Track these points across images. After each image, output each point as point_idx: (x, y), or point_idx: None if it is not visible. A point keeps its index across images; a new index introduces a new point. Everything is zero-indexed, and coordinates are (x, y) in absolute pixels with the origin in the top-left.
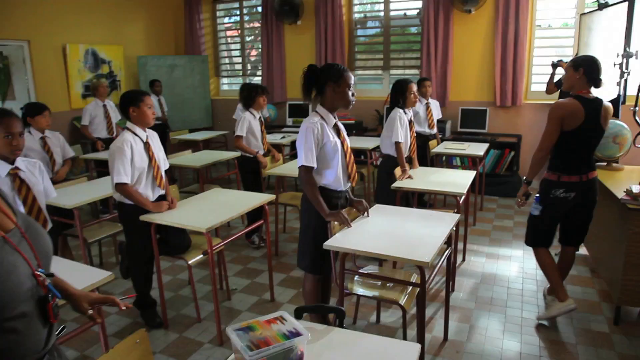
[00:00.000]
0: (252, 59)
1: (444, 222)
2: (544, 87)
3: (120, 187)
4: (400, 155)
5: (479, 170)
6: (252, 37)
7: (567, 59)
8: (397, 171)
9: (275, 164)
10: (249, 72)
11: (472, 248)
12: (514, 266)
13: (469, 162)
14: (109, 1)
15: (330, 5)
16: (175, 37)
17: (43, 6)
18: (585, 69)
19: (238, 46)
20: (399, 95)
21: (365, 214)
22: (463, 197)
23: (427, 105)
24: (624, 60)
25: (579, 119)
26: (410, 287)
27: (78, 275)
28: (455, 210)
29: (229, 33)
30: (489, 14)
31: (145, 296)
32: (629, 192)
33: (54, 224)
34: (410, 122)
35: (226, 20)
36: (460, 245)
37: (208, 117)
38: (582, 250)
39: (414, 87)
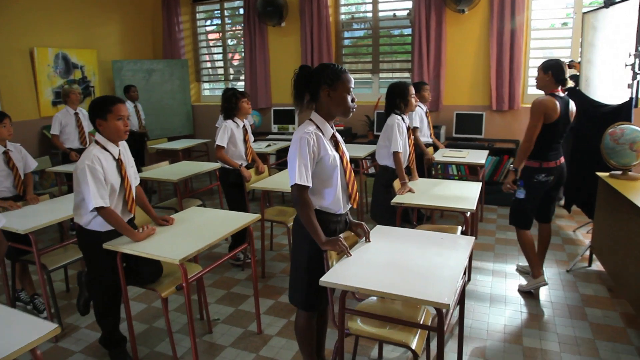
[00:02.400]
0: (235, 62)
1: (458, 247)
2: (541, 91)
3: (100, 211)
4: (400, 167)
5: (480, 177)
6: (235, 40)
7: (566, 60)
8: (397, 184)
9: (259, 176)
10: (231, 76)
11: (476, 265)
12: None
13: (465, 170)
14: (81, 3)
15: (316, 6)
16: (153, 41)
17: (7, 7)
18: (553, 72)
19: (220, 50)
20: (399, 100)
21: (366, 238)
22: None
23: (427, 112)
24: (637, 60)
25: (557, 113)
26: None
27: (14, 329)
28: (463, 228)
29: (210, 36)
30: (483, 14)
31: (112, 333)
32: None
33: (9, 250)
34: (408, 129)
35: (207, 22)
36: None
37: (189, 124)
38: (596, 266)
39: (413, 90)
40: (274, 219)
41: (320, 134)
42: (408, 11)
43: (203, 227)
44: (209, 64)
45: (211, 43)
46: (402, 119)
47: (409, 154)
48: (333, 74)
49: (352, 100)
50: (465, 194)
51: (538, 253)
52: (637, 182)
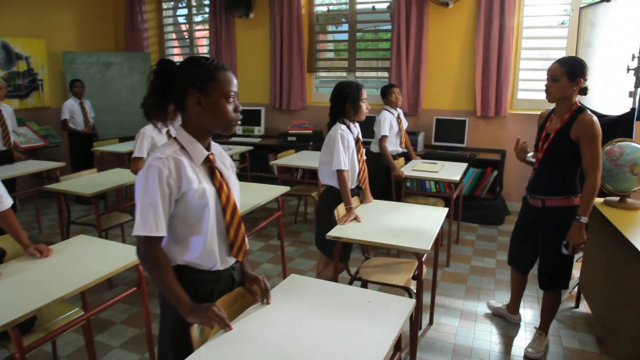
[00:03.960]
0: None
1: (380, 332)
2: (532, 95)
3: None
4: (344, 188)
5: (454, 197)
6: (202, 32)
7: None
8: (341, 209)
9: None
10: None
11: (442, 302)
12: (495, 334)
13: (445, 186)
14: None
15: None
16: (115, 32)
17: None
18: (583, 78)
19: (187, 42)
20: (349, 104)
21: (262, 299)
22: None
23: (399, 117)
24: None
25: None
26: None
27: None
28: (416, 272)
29: (177, 28)
30: (470, 9)
31: None
32: None
33: None
34: (357, 140)
35: (172, 13)
36: (427, 299)
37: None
38: (584, 306)
39: (365, 93)
40: None
41: (185, 159)
42: (388, 4)
43: (79, 264)
44: (175, 58)
45: (177, 35)
46: (349, 128)
47: (359, 172)
48: (204, 73)
49: (236, 110)
50: (426, 225)
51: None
52: (637, 212)
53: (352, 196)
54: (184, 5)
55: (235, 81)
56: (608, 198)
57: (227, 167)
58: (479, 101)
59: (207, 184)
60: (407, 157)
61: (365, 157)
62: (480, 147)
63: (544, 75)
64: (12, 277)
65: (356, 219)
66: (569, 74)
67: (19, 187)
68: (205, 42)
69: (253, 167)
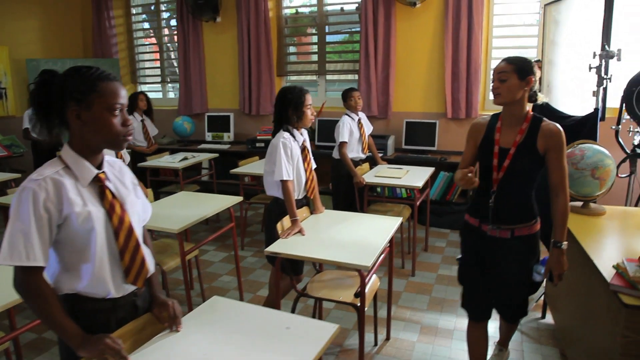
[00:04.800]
0: (167, 63)
1: None
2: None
3: None
4: (289, 199)
5: (417, 204)
6: (171, 37)
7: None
8: (286, 222)
9: None
10: (168, 78)
11: (403, 316)
12: (455, 349)
13: (415, 191)
14: None
15: None
16: (83, 38)
17: None
18: (534, 78)
19: (156, 48)
20: (292, 110)
21: (171, 325)
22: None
23: (359, 122)
24: (602, 62)
25: None
26: None
27: None
28: (358, 299)
29: (145, 33)
30: (437, 8)
31: None
32: (620, 271)
33: None
34: (303, 148)
35: (142, 17)
36: (383, 312)
37: None
38: (551, 318)
39: (310, 99)
40: None
41: (69, 179)
42: (357, 5)
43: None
44: (147, 64)
45: (147, 41)
46: (294, 136)
47: (306, 182)
48: (84, 84)
49: (124, 124)
50: (374, 238)
51: None
52: (600, 218)
53: (301, 206)
54: (152, 10)
55: (122, 92)
56: (571, 203)
57: (126, 186)
58: (449, 103)
59: (95, 206)
60: (374, 163)
61: (315, 166)
62: (452, 150)
63: None
64: None
65: (300, 231)
66: (519, 72)
67: None
68: (175, 46)
69: (221, 175)
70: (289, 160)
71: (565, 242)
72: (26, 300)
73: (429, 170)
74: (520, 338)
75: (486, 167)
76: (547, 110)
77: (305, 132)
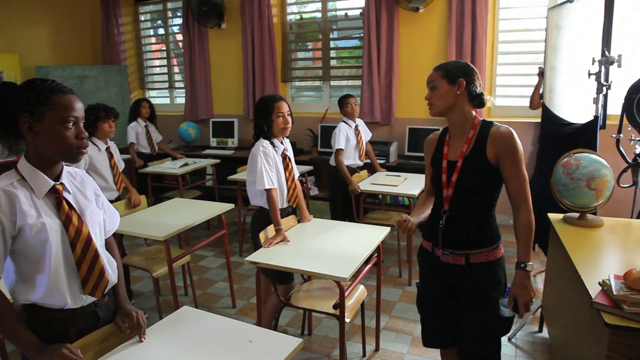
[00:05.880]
0: (176, 68)
1: None
2: (510, 102)
3: None
4: (273, 207)
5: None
6: (179, 43)
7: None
8: (270, 231)
9: (132, 210)
10: (175, 83)
11: (395, 326)
12: None
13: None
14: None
15: (257, 5)
16: (92, 45)
17: None
18: (467, 79)
19: (164, 54)
20: (262, 119)
21: (137, 335)
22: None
23: (357, 129)
24: (602, 68)
25: None
26: None
27: None
28: (337, 311)
29: (153, 39)
30: (441, 13)
31: None
32: (605, 288)
33: None
34: (284, 157)
35: (149, 24)
36: (372, 322)
37: (126, 136)
38: (545, 332)
39: (284, 107)
40: (139, 265)
41: (24, 190)
42: (361, 11)
43: None
44: (156, 70)
45: (154, 47)
46: (273, 144)
47: (289, 191)
48: (37, 97)
49: (79, 136)
50: (357, 248)
51: None
52: (597, 230)
53: (287, 215)
54: (160, 17)
55: (77, 105)
56: (567, 215)
57: (87, 196)
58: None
59: (50, 217)
60: (374, 170)
61: (297, 174)
62: None
63: (522, 81)
64: None
65: (284, 240)
66: (447, 76)
67: None
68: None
69: (223, 181)
70: (270, 168)
71: (531, 264)
72: None
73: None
74: (514, 352)
75: (437, 184)
76: (549, 118)
77: (287, 141)
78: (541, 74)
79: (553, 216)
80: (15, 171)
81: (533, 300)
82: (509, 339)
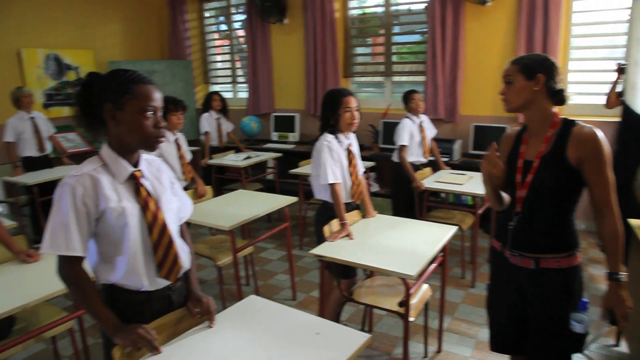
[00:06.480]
0: (238, 63)
1: None
2: (582, 99)
3: None
4: (338, 202)
5: (480, 212)
6: (242, 39)
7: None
8: (334, 225)
9: (199, 200)
10: (238, 78)
11: (457, 329)
12: None
13: (483, 198)
14: (78, 3)
15: (319, 0)
16: (160, 41)
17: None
18: (546, 75)
19: (228, 49)
20: (329, 114)
21: (206, 319)
22: (420, 281)
23: (421, 125)
24: None
25: None
26: None
27: None
28: (403, 309)
29: (216, 35)
30: (510, 6)
31: None
32: None
33: None
34: (349, 152)
35: (214, 20)
36: (434, 322)
37: (192, 129)
38: (625, 346)
39: (353, 102)
40: (204, 253)
41: (106, 176)
42: (426, 5)
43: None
44: (218, 65)
45: (218, 43)
46: (338, 138)
47: (352, 186)
48: (119, 86)
49: (157, 125)
50: (423, 246)
51: None
52: None
53: (351, 210)
54: (224, 13)
55: (156, 95)
56: None
57: (163, 184)
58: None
59: (129, 202)
60: (437, 167)
61: (362, 170)
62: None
63: (597, 77)
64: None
65: (349, 235)
66: (524, 70)
67: None
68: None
69: (285, 174)
70: (335, 164)
71: (624, 273)
72: (67, 287)
73: None
74: None
75: (511, 184)
76: (631, 117)
77: (352, 135)
78: (620, 70)
79: (634, 222)
80: (98, 157)
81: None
82: (582, 352)
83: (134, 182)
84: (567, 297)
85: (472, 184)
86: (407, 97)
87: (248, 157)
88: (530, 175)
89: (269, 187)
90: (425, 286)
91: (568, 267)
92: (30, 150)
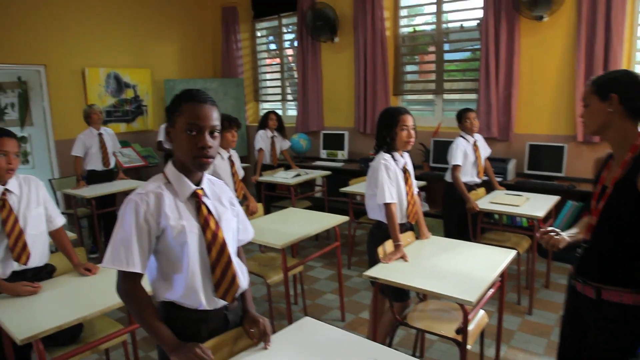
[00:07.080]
0: (288, 82)
1: None
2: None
3: None
4: (393, 222)
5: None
6: (292, 57)
7: None
8: (388, 246)
9: (251, 217)
10: (289, 96)
11: (514, 358)
12: None
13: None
14: (137, 23)
15: (370, 19)
16: (213, 60)
17: (60, 29)
18: (621, 94)
19: (278, 68)
20: (385, 132)
21: (260, 341)
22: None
23: (475, 145)
24: None
25: None
26: None
27: None
28: (460, 336)
29: (267, 54)
30: (568, 21)
31: None
32: None
33: None
34: (405, 171)
35: (265, 40)
36: (489, 350)
37: (243, 145)
38: None
39: (410, 120)
40: (254, 270)
41: (169, 194)
42: (478, 22)
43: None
44: (268, 83)
45: (269, 61)
46: (394, 158)
47: (408, 206)
48: (173, 104)
49: (201, 145)
50: (482, 271)
51: None
52: None
53: (405, 231)
54: (275, 32)
55: (205, 113)
56: None
57: (224, 203)
58: (580, 125)
59: (189, 220)
60: (492, 188)
61: (417, 189)
62: (582, 177)
63: None
64: (58, 289)
65: (403, 257)
66: (598, 92)
67: (119, 203)
68: (294, 67)
69: (334, 193)
70: (392, 183)
71: None
72: (125, 303)
73: (554, 199)
74: None
75: (589, 210)
76: None
77: (407, 155)
78: None
79: None
80: (163, 175)
81: None
82: None
83: (196, 201)
84: (625, 337)
85: (529, 205)
86: (462, 115)
87: (298, 175)
88: (602, 201)
89: (317, 205)
90: (481, 312)
91: (632, 305)
92: (95, 164)
